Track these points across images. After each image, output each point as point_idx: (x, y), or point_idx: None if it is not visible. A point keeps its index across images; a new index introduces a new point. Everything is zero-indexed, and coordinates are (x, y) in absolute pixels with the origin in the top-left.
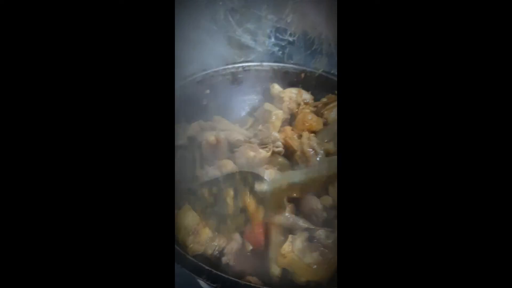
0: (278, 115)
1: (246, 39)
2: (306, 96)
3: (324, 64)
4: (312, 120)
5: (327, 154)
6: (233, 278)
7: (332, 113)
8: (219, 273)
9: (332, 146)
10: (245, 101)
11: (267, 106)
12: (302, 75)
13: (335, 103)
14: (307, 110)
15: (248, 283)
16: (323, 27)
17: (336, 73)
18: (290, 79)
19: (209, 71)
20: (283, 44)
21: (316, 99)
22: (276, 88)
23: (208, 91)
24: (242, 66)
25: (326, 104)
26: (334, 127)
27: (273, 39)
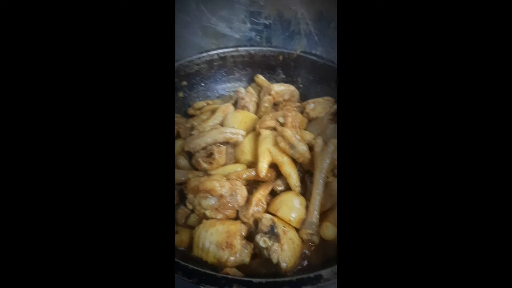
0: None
1: (222, 27)
2: None
3: (303, 45)
4: None
5: None
6: (209, 272)
7: None
8: (195, 267)
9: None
10: (224, 89)
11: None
12: (280, 57)
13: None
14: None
15: (226, 275)
16: (297, 6)
17: (316, 53)
18: (268, 63)
19: (182, 62)
20: (259, 28)
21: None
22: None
23: (185, 83)
24: (217, 54)
25: None
26: None
27: (248, 24)
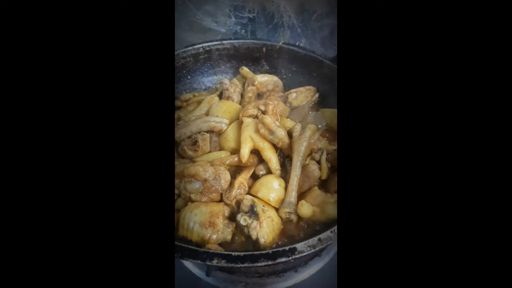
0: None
1: (207, 21)
2: None
3: (287, 37)
4: None
5: None
6: (192, 247)
7: None
8: (178, 243)
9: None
10: (210, 81)
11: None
12: (264, 49)
13: None
14: None
15: (207, 250)
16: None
17: (300, 44)
18: (252, 55)
19: None
20: (244, 22)
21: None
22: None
23: None
24: (203, 47)
25: None
26: None
27: (233, 18)
